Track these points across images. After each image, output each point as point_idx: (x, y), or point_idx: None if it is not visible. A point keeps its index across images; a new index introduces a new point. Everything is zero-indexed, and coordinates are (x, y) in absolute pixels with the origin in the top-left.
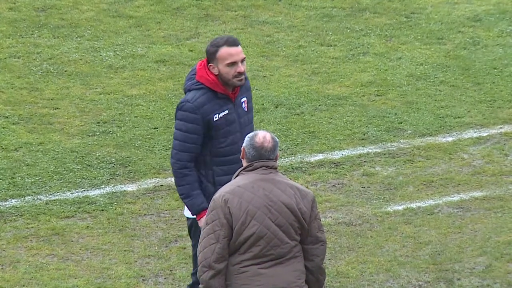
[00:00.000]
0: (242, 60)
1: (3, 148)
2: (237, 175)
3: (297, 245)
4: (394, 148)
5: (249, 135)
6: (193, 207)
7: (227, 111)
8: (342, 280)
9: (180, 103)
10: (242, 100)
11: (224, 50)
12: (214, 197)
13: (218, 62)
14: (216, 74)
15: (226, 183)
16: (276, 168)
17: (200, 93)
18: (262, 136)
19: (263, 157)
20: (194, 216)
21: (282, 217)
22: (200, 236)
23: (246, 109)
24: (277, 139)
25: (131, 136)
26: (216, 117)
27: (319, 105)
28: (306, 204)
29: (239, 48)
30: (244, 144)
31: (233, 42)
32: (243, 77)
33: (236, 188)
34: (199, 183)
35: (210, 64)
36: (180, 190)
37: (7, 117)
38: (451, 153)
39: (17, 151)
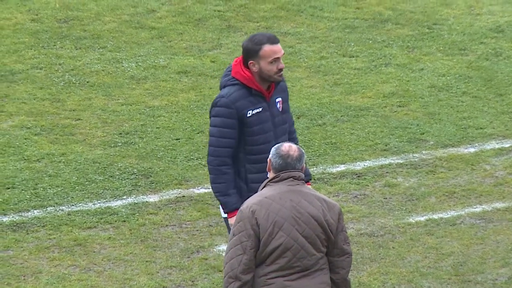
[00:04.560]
0: (282, 57)
1: (25, 159)
2: (264, 186)
3: (323, 257)
4: (416, 159)
5: (274, 146)
6: (227, 205)
7: (260, 109)
8: None
9: (215, 100)
10: (277, 100)
11: (267, 48)
12: (241, 208)
13: (260, 59)
14: (256, 71)
15: (258, 181)
16: (303, 180)
17: (234, 89)
18: (288, 145)
19: (289, 167)
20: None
21: (309, 229)
22: (227, 247)
23: (280, 109)
24: (303, 150)
25: (153, 147)
26: (249, 113)
27: (341, 116)
28: (333, 216)
29: (279, 45)
30: (270, 156)
31: (274, 39)
32: (282, 73)
33: (263, 199)
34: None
35: (250, 61)
36: (216, 187)
37: (29, 128)
38: (473, 164)
39: (39, 162)
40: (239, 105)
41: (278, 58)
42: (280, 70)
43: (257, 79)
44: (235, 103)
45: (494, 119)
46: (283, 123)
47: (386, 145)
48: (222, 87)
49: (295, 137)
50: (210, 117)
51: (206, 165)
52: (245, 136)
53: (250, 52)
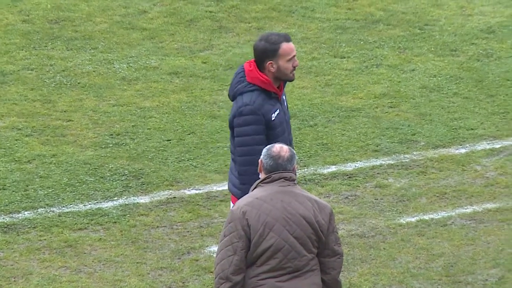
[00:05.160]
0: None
1: (16, 160)
2: (255, 187)
3: (314, 258)
4: (407, 160)
5: (266, 147)
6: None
7: (278, 111)
8: None
9: (238, 109)
10: (284, 97)
11: (285, 46)
12: (232, 208)
13: (279, 58)
14: (273, 71)
15: None
16: (294, 180)
17: (256, 95)
18: (279, 146)
19: (280, 167)
20: None
21: (300, 230)
22: (218, 248)
23: (287, 107)
24: (294, 151)
25: (144, 148)
26: (273, 117)
27: (332, 117)
28: (324, 217)
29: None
30: (261, 157)
31: (289, 38)
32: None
33: (254, 200)
34: None
35: (269, 61)
36: (243, 179)
37: (20, 129)
38: (464, 164)
39: (30, 163)
40: (264, 110)
41: (295, 55)
42: (295, 68)
43: (272, 80)
44: (261, 108)
45: (485, 120)
46: (288, 121)
47: (377, 146)
48: (239, 94)
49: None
50: (234, 127)
51: (198, 166)
52: (269, 139)
53: (268, 52)
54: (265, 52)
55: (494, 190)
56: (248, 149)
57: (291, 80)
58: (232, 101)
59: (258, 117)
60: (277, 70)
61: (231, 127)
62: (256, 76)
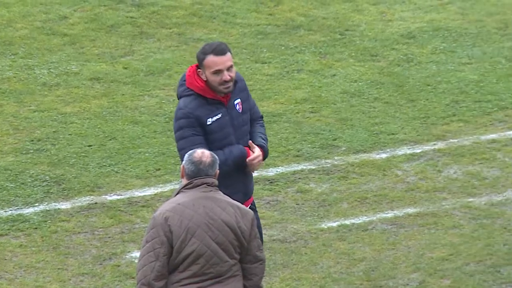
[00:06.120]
0: (229, 68)
1: None
2: (177, 193)
3: (236, 263)
4: (328, 165)
5: (187, 152)
6: (240, 153)
7: (219, 115)
8: None
9: (175, 113)
10: (236, 102)
11: (210, 59)
12: (154, 215)
13: (205, 69)
14: (205, 79)
15: (229, 184)
16: (216, 186)
17: (190, 99)
18: (201, 151)
19: (202, 173)
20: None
21: (222, 235)
22: (140, 254)
23: (240, 111)
24: (216, 156)
25: (65, 154)
26: (209, 121)
27: None
28: (246, 222)
29: (226, 56)
30: (183, 162)
31: (220, 51)
32: (229, 84)
33: (176, 205)
34: None
35: (199, 70)
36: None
37: None
38: (385, 169)
39: None
40: (197, 114)
41: (221, 70)
42: (225, 81)
43: (210, 87)
44: (194, 112)
45: (405, 125)
46: (243, 124)
47: (298, 151)
48: (179, 98)
49: (262, 126)
50: (175, 133)
51: (119, 171)
52: (209, 144)
53: (198, 61)
54: (197, 60)
55: (415, 195)
56: (184, 153)
57: (222, 93)
58: None
59: (190, 120)
60: (206, 79)
61: None
62: (192, 82)
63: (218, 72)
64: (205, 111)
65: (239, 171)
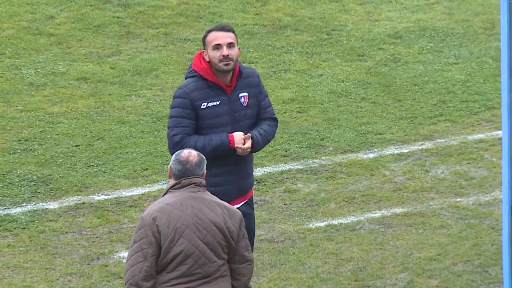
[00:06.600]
0: (229, 45)
1: None
2: (165, 193)
3: (224, 264)
4: (316, 165)
5: (175, 152)
6: (220, 143)
7: (217, 102)
8: None
9: (175, 91)
10: (241, 95)
11: (211, 34)
12: (142, 215)
13: (207, 47)
14: (208, 60)
15: (219, 175)
16: (204, 186)
17: (191, 80)
18: (188, 151)
19: (189, 173)
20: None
21: (210, 236)
22: (128, 254)
23: (245, 104)
24: (203, 156)
25: (52, 154)
26: (203, 105)
27: None
28: (234, 223)
29: (228, 33)
30: (170, 162)
31: (222, 28)
32: (229, 62)
33: (164, 206)
34: None
35: (203, 50)
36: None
37: None
38: (373, 169)
39: None
40: (194, 95)
41: (220, 44)
42: (224, 57)
43: (214, 71)
44: (190, 93)
45: (392, 125)
46: (246, 119)
47: (286, 151)
48: (185, 79)
49: (269, 125)
50: (169, 110)
51: (107, 171)
52: (201, 130)
53: (203, 41)
54: (202, 41)
55: (402, 195)
56: (169, 130)
57: (222, 70)
58: None
59: (184, 100)
60: (209, 60)
61: None
62: (197, 63)
63: (217, 46)
64: (202, 95)
65: (228, 159)
